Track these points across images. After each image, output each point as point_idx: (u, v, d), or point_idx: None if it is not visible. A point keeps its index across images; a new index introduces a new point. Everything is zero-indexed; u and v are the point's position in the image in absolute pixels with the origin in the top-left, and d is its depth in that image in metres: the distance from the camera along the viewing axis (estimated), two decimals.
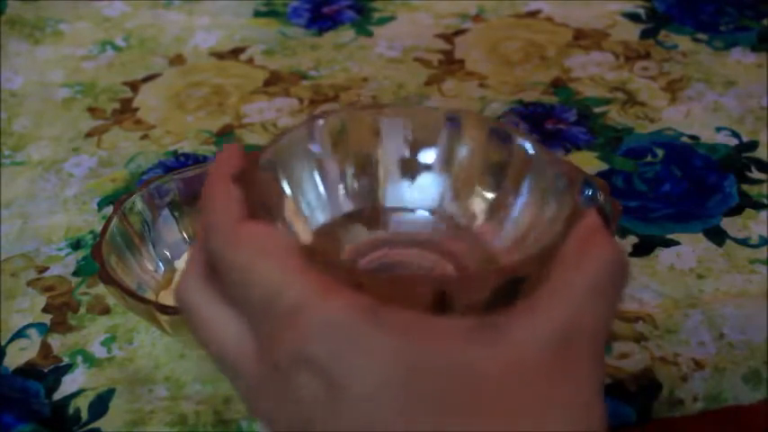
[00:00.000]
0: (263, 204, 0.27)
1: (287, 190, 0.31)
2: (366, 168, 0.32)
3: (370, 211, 0.32)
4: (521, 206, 0.30)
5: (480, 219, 0.31)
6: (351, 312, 0.23)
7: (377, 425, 0.23)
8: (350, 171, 0.32)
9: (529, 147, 0.30)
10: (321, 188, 0.32)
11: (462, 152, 0.32)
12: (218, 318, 0.26)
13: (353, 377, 0.23)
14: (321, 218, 0.31)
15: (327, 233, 0.31)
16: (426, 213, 0.32)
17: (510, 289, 0.25)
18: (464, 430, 0.22)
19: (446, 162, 0.32)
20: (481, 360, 0.23)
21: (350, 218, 0.32)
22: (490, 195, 0.31)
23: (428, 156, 0.32)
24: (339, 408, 0.23)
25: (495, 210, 0.31)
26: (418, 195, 0.33)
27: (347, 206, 0.32)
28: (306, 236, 0.31)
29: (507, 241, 0.30)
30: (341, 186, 0.32)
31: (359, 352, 0.23)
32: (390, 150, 0.32)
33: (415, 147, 0.32)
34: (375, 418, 0.23)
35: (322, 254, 0.28)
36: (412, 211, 0.32)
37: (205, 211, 0.27)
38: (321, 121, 0.31)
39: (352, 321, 0.23)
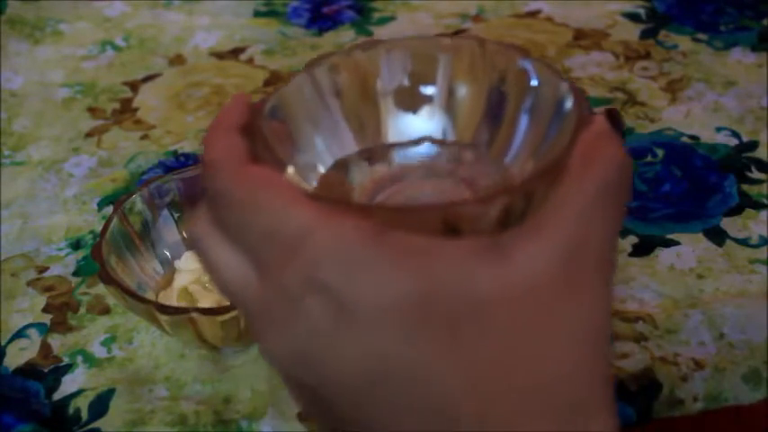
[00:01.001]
0: (270, 153, 0.28)
1: (293, 136, 0.31)
2: (369, 105, 0.32)
3: (377, 149, 0.32)
4: (526, 124, 0.30)
5: (488, 141, 0.31)
6: (358, 235, 0.23)
7: (385, 348, 0.23)
8: (353, 110, 0.32)
9: (529, 64, 0.30)
10: (326, 131, 0.32)
11: (463, 76, 0.32)
12: (221, 254, 0.26)
13: (362, 301, 0.23)
14: (328, 161, 0.31)
15: (335, 176, 0.31)
16: (433, 144, 0.32)
17: (521, 207, 0.25)
18: (473, 352, 0.22)
19: (448, 88, 0.32)
20: (488, 281, 0.23)
21: (357, 158, 0.32)
22: (495, 117, 0.31)
23: (429, 83, 0.32)
24: (346, 331, 0.23)
25: (503, 131, 0.31)
26: (422, 126, 0.32)
27: (353, 146, 0.32)
28: (313, 181, 0.31)
29: (518, 161, 0.30)
30: (346, 127, 0.32)
31: (367, 275, 0.23)
32: (390, 82, 0.32)
33: (415, 76, 0.32)
34: (383, 342, 0.23)
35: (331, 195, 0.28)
36: (418, 143, 0.32)
37: (207, 156, 0.27)
38: (321, 65, 0.31)
39: (360, 244, 0.23)
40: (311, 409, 0.26)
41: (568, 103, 0.28)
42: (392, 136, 0.32)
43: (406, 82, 0.32)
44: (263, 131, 0.28)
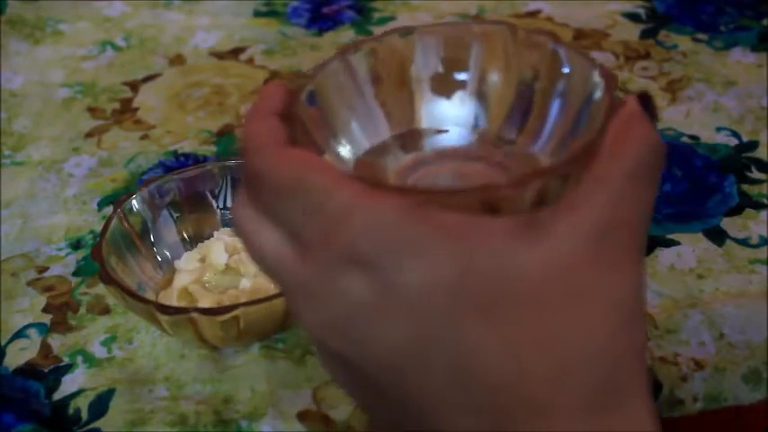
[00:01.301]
0: (308, 138, 0.28)
1: (328, 122, 0.31)
2: (403, 91, 0.32)
3: (411, 135, 0.33)
4: (558, 110, 0.30)
5: (519, 128, 0.31)
6: (400, 213, 0.23)
7: (428, 324, 0.23)
8: (387, 96, 0.32)
9: (561, 50, 0.30)
10: (361, 117, 0.32)
11: (495, 63, 0.32)
12: (262, 234, 0.26)
13: (404, 276, 0.23)
14: (363, 147, 0.32)
15: (370, 162, 0.31)
16: (464, 130, 0.33)
17: (556, 190, 0.25)
18: (516, 329, 0.23)
19: (480, 74, 0.32)
20: (527, 259, 0.23)
21: (391, 144, 0.32)
22: (526, 103, 0.31)
23: (462, 69, 0.32)
24: (389, 307, 0.23)
25: (534, 117, 0.31)
26: (455, 113, 0.33)
27: (387, 132, 0.32)
28: (348, 166, 0.31)
29: (549, 147, 0.30)
30: (380, 113, 0.32)
31: (410, 252, 0.23)
32: (425, 69, 0.32)
33: (449, 62, 0.32)
34: (426, 318, 0.23)
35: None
36: (450, 129, 0.32)
37: (248, 140, 0.27)
38: (356, 50, 0.31)
39: (402, 222, 0.23)
40: (348, 384, 0.26)
41: (599, 89, 0.28)
42: (425, 122, 0.33)
43: (440, 68, 0.32)
44: (300, 118, 0.28)
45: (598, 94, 0.28)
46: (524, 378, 0.23)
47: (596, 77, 0.28)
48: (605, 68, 0.28)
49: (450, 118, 0.32)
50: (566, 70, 0.30)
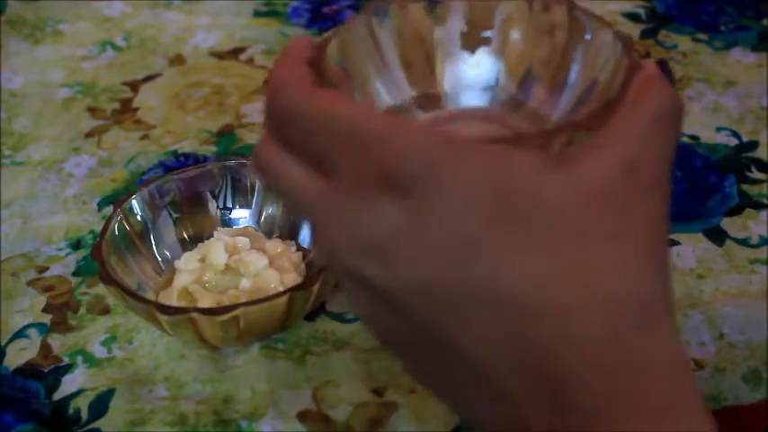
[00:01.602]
0: (333, 88, 0.28)
1: (351, 81, 0.31)
2: (425, 52, 0.33)
3: (431, 96, 0.33)
4: (576, 74, 0.31)
5: (538, 92, 0.32)
6: (434, 139, 0.24)
7: (462, 242, 0.23)
8: (409, 56, 0.33)
9: (580, 15, 0.31)
10: (383, 76, 0.32)
11: (516, 26, 0.33)
12: (290, 168, 0.27)
13: (441, 195, 0.23)
14: (383, 105, 0.32)
15: None
16: (483, 93, 0.33)
17: (580, 143, 0.26)
18: (547, 249, 0.24)
19: (502, 38, 0.33)
20: (558, 186, 0.24)
21: (411, 103, 0.33)
22: (545, 68, 0.32)
23: (484, 31, 0.33)
24: (424, 225, 0.24)
25: (552, 81, 0.32)
26: (475, 75, 0.33)
27: (408, 92, 0.33)
28: None
29: (564, 111, 0.31)
30: (401, 73, 0.33)
31: (446, 172, 0.23)
32: (446, 31, 0.33)
33: (472, 24, 0.33)
34: (458, 241, 0.24)
35: None
36: (470, 93, 0.33)
37: (277, 79, 0.27)
38: (379, 10, 0.32)
39: (437, 147, 0.24)
40: (373, 315, 0.27)
41: (617, 52, 0.29)
42: (446, 84, 0.33)
43: (463, 29, 0.33)
44: (326, 70, 0.29)
45: (616, 56, 0.29)
46: (561, 297, 0.23)
47: (614, 41, 0.29)
48: (621, 32, 0.29)
49: (471, 81, 0.33)
50: (587, 36, 0.30)
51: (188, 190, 0.50)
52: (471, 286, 0.24)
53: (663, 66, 0.28)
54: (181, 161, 0.59)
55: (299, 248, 0.49)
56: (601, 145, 0.25)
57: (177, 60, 0.70)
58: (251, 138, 0.60)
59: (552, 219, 0.24)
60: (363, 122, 0.25)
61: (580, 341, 0.23)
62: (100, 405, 0.43)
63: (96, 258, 0.44)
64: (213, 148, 0.60)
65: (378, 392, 0.43)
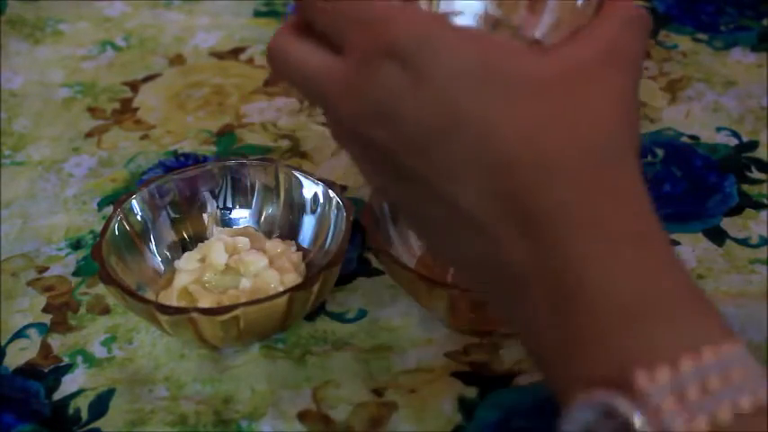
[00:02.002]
0: None
1: None
2: None
3: None
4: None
5: (519, 14, 0.34)
6: (433, 20, 0.28)
7: (455, 103, 0.27)
8: None
9: None
10: None
11: None
12: (305, 51, 0.31)
13: (438, 64, 0.27)
14: None
15: None
16: (470, 15, 0.34)
17: None
18: (527, 110, 0.27)
19: None
20: (541, 64, 0.28)
21: None
22: None
23: None
24: (422, 89, 0.27)
25: (533, 4, 0.33)
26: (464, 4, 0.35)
27: None
28: None
29: (545, 32, 0.33)
30: None
31: (442, 46, 0.27)
32: None
33: None
34: (453, 98, 0.27)
35: None
36: (455, 14, 0.34)
37: None
38: None
39: (434, 25, 0.28)
40: (372, 168, 0.31)
41: None
42: (439, 6, 0.34)
43: None
44: None
45: None
46: (538, 150, 0.27)
47: None
48: None
49: (459, 5, 0.34)
50: None
51: (188, 190, 0.50)
52: (460, 140, 0.27)
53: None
54: (181, 161, 0.59)
55: (299, 248, 0.49)
56: (577, 37, 0.29)
57: (177, 60, 0.70)
58: (251, 138, 0.60)
59: (534, 87, 0.27)
60: (372, 7, 0.29)
61: (557, 176, 0.27)
62: (100, 405, 0.43)
63: (96, 258, 0.44)
64: (213, 148, 0.60)
65: (378, 392, 0.43)
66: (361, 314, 0.47)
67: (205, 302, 0.44)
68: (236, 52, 0.71)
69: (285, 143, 0.60)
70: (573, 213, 0.26)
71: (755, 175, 0.55)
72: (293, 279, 0.45)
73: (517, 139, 0.27)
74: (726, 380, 0.23)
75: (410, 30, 0.28)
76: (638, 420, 0.23)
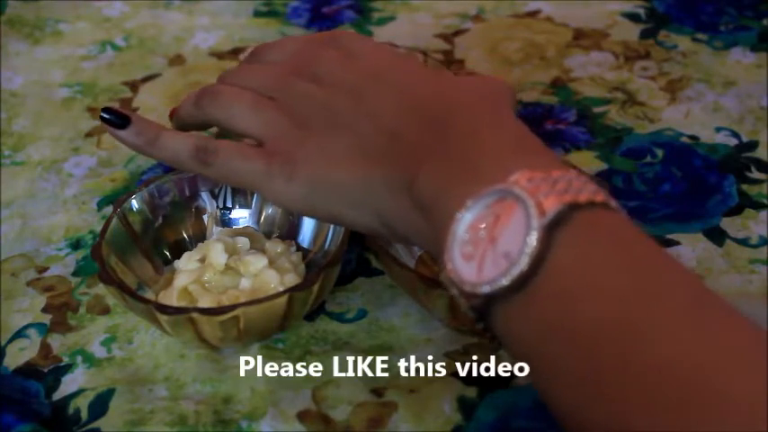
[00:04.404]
0: None
1: None
2: None
3: None
4: None
5: None
6: (357, 36, 0.43)
7: (378, 65, 0.40)
8: None
9: None
10: None
11: None
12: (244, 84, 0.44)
13: (362, 43, 0.42)
14: None
15: None
16: None
17: None
18: (435, 75, 0.40)
19: None
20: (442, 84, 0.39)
21: None
22: None
23: None
24: (354, 60, 0.40)
25: None
26: None
27: None
28: None
29: None
30: None
31: (363, 37, 0.43)
32: None
33: None
34: (378, 62, 0.41)
35: None
36: None
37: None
38: None
39: (355, 37, 0.43)
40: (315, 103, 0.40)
41: None
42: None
43: None
44: None
45: None
46: (446, 100, 0.38)
47: None
48: None
49: None
50: None
51: (188, 190, 0.50)
52: (387, 89, 0.38)
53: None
54: None
55: (299, 248, 0.49)
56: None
57: (177, 60, 0.70)
58: None
59: (430, 69, 0.41)
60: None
61: (461, 108, 0.36)
62: (100, 405, 0.43)
63: (96, 258, 0.44)
64: None
65: (378, 392, 0.43)
66: (361, 314, 0.47)
67: (205, 302, 0.44)
68: (236, 52, 0.71)
69: None
70: (478, 132, 0.35)
71: (755, 175, 0.55)
72: (293, 279, 0.45)
73: (431, 94, 0.38)
74: (585, 184, 0.30)
75: (344, 34, 0.43)
76: (523, 194, 0.30)
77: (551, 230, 0.29)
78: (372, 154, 0.37)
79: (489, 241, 0.30)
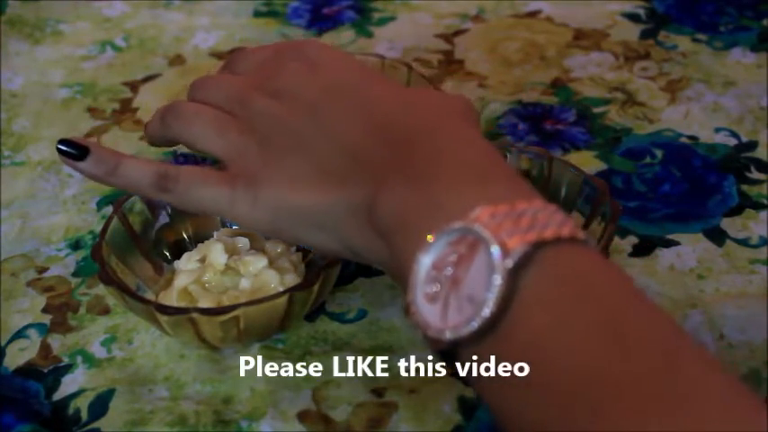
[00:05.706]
0: None
1: None
2: None
3: None
4: None
5: None
6: (327, 47, 0.41)
7: (339, 78, 0.39)
8: None
9: None
10: None
11: None
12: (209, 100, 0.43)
13: (326, 58, 0.40)
14: None
15: None
16: None
17: None
18: (396, 87, 0.39)
19: None
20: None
21: None
22: None
23: None
24: (316, 71, 0.39)
25: None
26: None
27: None
28: None
29: None
30: None
31: (330, 48, 0.41)
32: None
33: None
34: (340, 76, 0.39)
35: None
36: None
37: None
38: None
39: (323, 47, 0.41)
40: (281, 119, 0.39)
41: None
42: None
43: None
44: None
45: None
46: (407, 111, 0.37)
47: None
48: None
49: None
50: None
51: None
52: (347, 103, 0.37)
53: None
54: (180, 161, 0.59)
55: (299, 248, 0.49)
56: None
57: (177, 60, 0.70)
58: None
59: (396, 85, 0.39)
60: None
61: (423, 129, 0.35)
62: (100, 405, 0.43)
63: (96, 259, 0.44)
64: None
65: (378, 392, 0.43)
66: (361, 314, 0.47)
67: (205, 303, 0.44)
68: None
69: None
70: (440, 156, 0.34)
71: (755, 175, 0.55)
72: (293, 279, 0.45)
73: (394, 112, 0.36)
74: (551, 216, 0.29)
75: (310, 44, 0.41)
76: (485, 234, 0.29)
77: (516, 272, 0.28)
78: (332, 177, 0.36)
79: (452, 283, 0.29)
